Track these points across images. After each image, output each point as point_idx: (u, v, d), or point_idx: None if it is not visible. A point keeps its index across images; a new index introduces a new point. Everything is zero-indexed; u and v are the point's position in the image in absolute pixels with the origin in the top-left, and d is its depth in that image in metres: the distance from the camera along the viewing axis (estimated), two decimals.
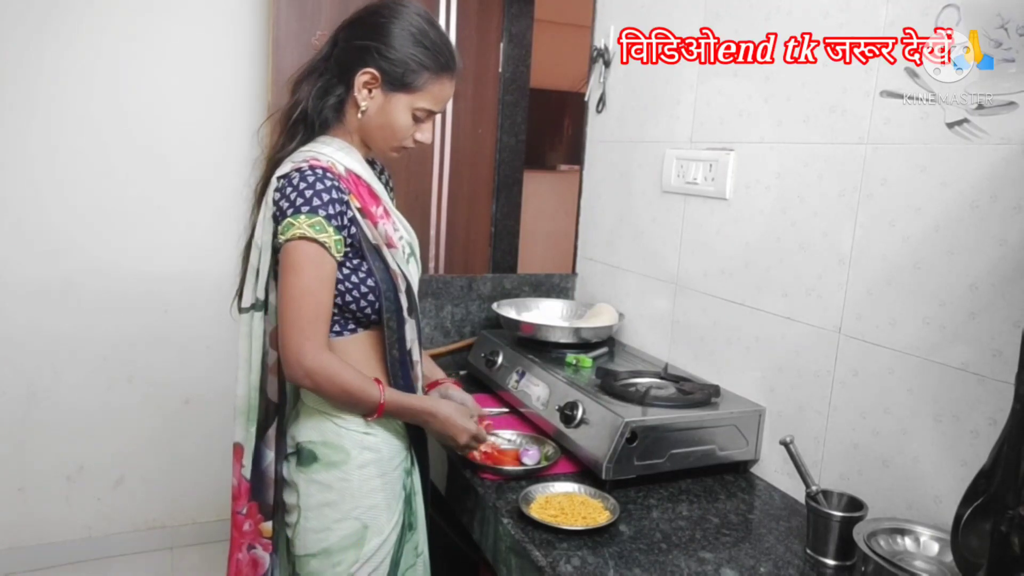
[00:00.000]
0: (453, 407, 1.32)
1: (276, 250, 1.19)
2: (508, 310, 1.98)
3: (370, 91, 1.23)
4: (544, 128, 3.73)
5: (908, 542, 1.11)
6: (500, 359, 1.83)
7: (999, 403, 1.07)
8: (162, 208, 2.45)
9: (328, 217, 1.15)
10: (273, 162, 1.25)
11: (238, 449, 1.29)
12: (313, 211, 1.14)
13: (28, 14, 2.21)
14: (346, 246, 1.19)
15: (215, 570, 2.52)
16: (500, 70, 2.62)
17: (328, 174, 1.17)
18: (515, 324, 1.88)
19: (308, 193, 1.14)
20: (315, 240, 1.14)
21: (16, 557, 2.41)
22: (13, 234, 2.30)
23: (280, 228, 1.16)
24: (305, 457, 1.25)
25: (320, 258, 1.15)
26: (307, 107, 1.24)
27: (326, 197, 1.15)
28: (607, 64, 2.07)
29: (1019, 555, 0.79)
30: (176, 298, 2.51)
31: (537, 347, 1.83)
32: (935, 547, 1.09)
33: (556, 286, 2.24)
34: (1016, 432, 0.82)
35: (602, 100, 2.11)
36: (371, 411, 1.22)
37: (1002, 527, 0.81)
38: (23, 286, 2.33)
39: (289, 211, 1.15)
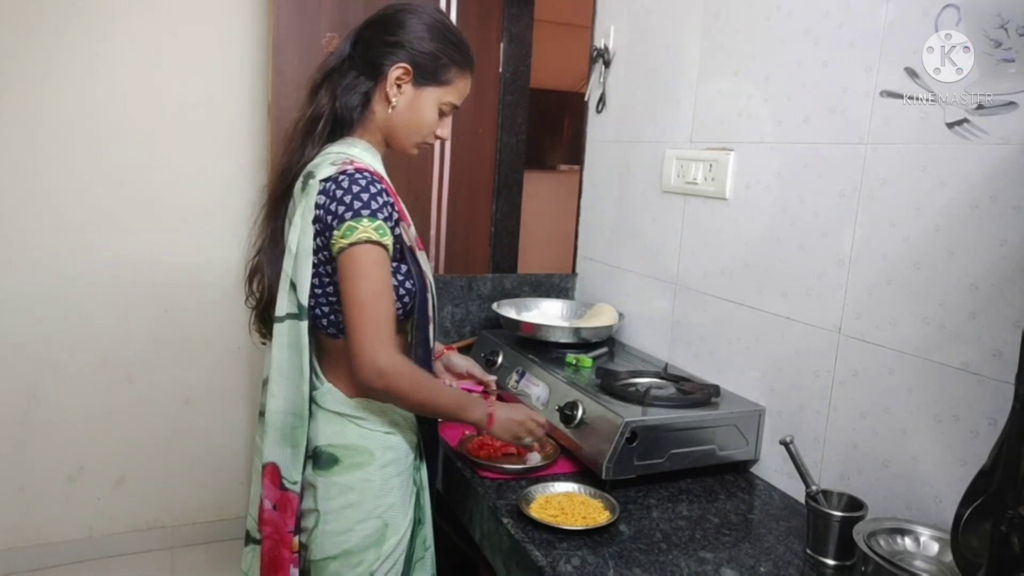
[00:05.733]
0: (505, 409, 1.33)
1: (315, 252, 1.18)
2: (508, 310, 1.98)
3: (400, 86, 1.25)
4: (544, 128, 3.73)
5: (908, 542, 1.11)
6: (500, 359, 1.83)
7: (999, 403, 1.07)
8: (162, 209, 2.45)
9: (385, 220, 1.16)
10: (298, 165, 1.24)
11: (271, 469, 1.22)
12: (373, 215, 1.14)
13: (28, 12, 2.21)
14: (394, 249, 1.20)
15: (215, 570, 2.52)
16: (500, 70, 2.62)
17: (375, 177, 1.18)
18: (515, 324, 1.88)
19: (365, 197, 1.15)
20: (379, 243, 1.14)
21: (16, 557, 2.41)
22: (13, 234, 2.30)
23: (339, 232, 1.13)
24: (324, 460, 1.23)
25: (384, 261, 1.16)
26: (334, 107, 1.25)
27: (380, 200, 1.16)
28: (607, 64, 2.07)
29: (1019, 555, 0.79)
30: (176, 298, 2.51)
31: (537, 347, 1.83)
32: (935, 547, 1.09)
33: (556, 286, 2.24)
34: (1016, 432, 0.82)
35: (602, 100, 2.11)
36: (429, 412, 1.26)
37: (1002, 527, 0.81)
38: (23, 286, 2.33)
39: (347, 215, 1.13)
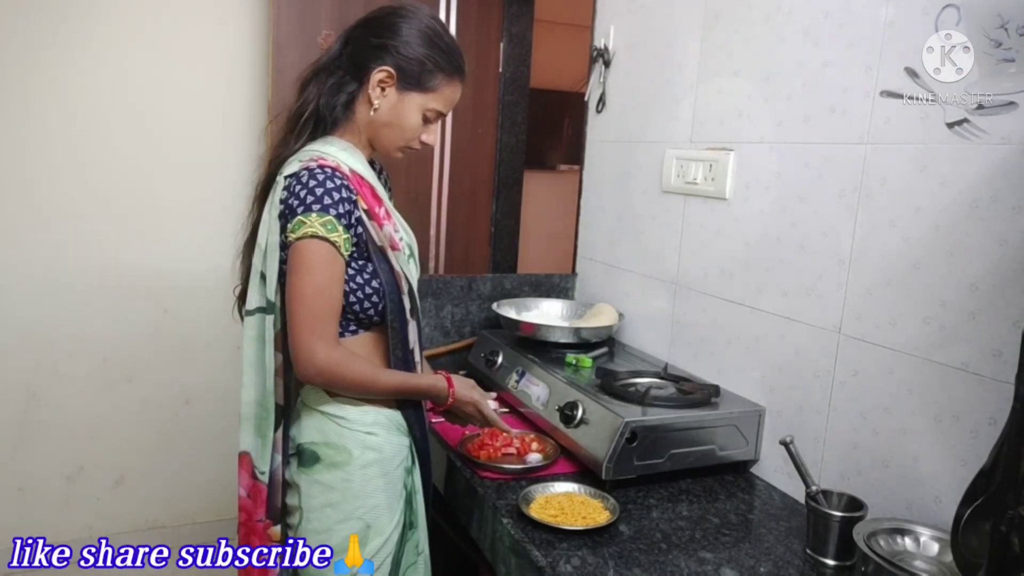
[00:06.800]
0: (457, 380, 1.35)
1: (283, 248, 1.19)
2: (508, 310, 1.98)
3: (383, 89, 1.25)
4: (544, 128, 3.73)
5: (908, 542, 1.11)
6: (500, 359, 1.83)
7: (999, 403, 1.07)
8: (162, 208, 2.45)
9: (338, 216, 1.16)
10: (277, 161, 1.25)
11: (245, 458, 1.27)
12: (324, 210, 1.15)
13: (29, 13, 2.21)
14: (352, 246, 1.20)
15: (215, 570, 2.52)
16: (500, 70, 2.62)
17: (337, 173, 1.18)
18: (515, 324, 1.88)
19: (319, 192, 1.15)
20: (326, 239, 1.14)
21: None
22: (12, 234, 2.30)
23: (290, 226, 1.16)
24: (307, 458, 1.25)
25: (331, 257, 1.16)
26: (318, 105, 1.25)
27: (336, 196, 1.16)
28: (607, 64, 2.07)
29: (1019, 555, 0.79)
30: (176, 298, 2.50)
31: (537, 347, 1.83)
32: (935, 547, 1.09)
33: (556, 286, 2.24)
34: (1016, 432, 0.82)
35: (602, 100, 2.11)
36: (385, 398, 1.26)
37: (1002, 527, 0.81)
38: (23, 286, 2.32)
39: (299, 209, 1.15)
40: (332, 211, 1.15)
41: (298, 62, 2.29)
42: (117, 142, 2.37)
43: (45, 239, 2.33)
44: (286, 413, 1.27)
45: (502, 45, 2.61)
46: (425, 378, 1.32)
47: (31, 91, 2.25)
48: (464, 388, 1.36)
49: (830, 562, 1.18)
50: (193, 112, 2.44)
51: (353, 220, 1.19)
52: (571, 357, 1.75)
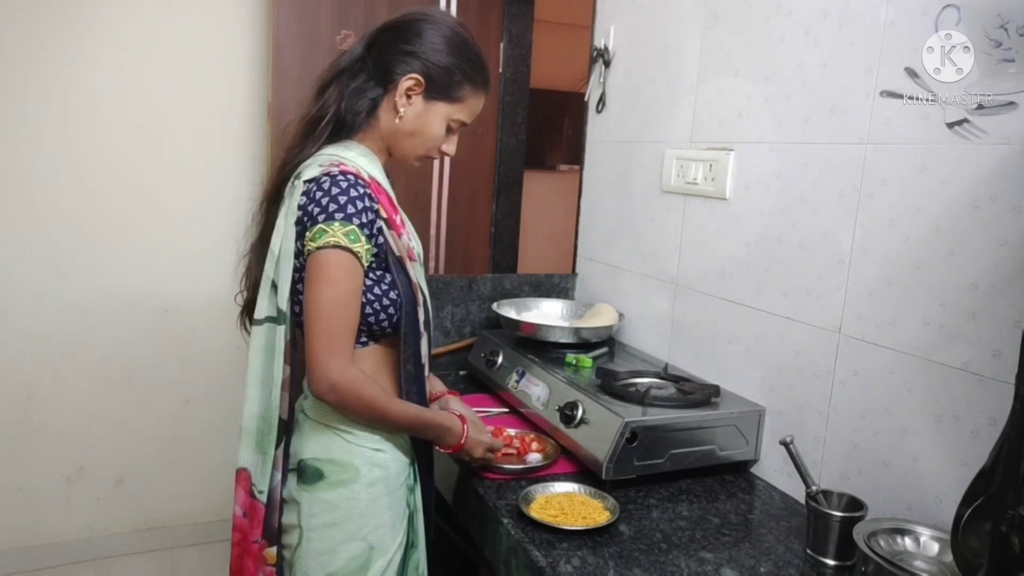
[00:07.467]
0: (471, 425, 1.32)
1: (298, 256, 1.14)
2: (508, 310, 1.98)
3: (410, 97, 1.21)
4: (544, 128, 3.73)
5: (908, 542, 1.11)
6: (500, 359, 1.83)
7: (999, 403, 1.07)
8: (162, 209, 2.45)
9: (361, 226, 1.11)
10: (292, 164, 1.21)
11: (243, 475, 1.21)
12: (347, 219, 1.10)
13: (27, 13, 2.21)
14: (371, 256, 1.15)
15: (215, 570, 2.52)
16: (500, 70, 2.62)
17: (359, 180, 1.13)
18: (515, 324, 1.88)
19: (342, 200, 1.10)
20: (348, 249, 1.09)
21: (16, 557, 2.41)
22: (13, 235, 2.30)
23: (310, 235, 1.10)
24: (309, 475, 1.19)
25: (353, 269, 1.11)
26: (339, 108, 1.20)
27: (360, 205, 1.11)
28: (607, 64, 2.07)
29: (1019, 555, 0.79)
30: (176, 298, 2.51)
31: (537, 347, 1.83)
32: (935, 547, 1.09)
33: (556, 286, 2.24)
34: (1016, 432, 0.82)
35: (602, 100, 2.11)
36: (390, 429, 1.21)
37: (1002, 527, 0.81)
38: (23, 287, 2.33)
39: (321, 217, 1.10)
40: (355, 220, 1.10)
41: (298, 62, 2.30)
42: (116, 143, 2.37)
43: (45, 240, 2.33)
44: (289, 429, 1.22)
45: (502, 45, 2.61)
46: (439, 414, 1.27)
47: (29, 92, 2.25)
48: (477, 433, 1.32)
49: (830, 562, 1.18)
50: (193, 113, 2.44)
51: (375, 230, 1.14)
52: (571, 357, 1.75)
